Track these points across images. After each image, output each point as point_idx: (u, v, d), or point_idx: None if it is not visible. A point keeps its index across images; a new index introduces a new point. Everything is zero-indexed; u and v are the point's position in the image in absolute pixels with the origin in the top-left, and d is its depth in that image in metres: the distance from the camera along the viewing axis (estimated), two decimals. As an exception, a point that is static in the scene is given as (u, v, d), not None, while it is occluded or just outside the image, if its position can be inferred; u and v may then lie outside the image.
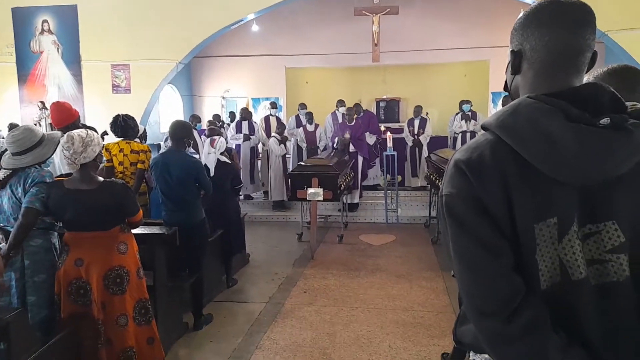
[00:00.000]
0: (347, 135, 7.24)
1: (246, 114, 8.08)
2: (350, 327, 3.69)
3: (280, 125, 7.72)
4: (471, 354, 1.11)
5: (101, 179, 2.61)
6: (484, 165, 0.93)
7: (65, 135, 2.53)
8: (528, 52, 1.00)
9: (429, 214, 6.77)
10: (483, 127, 1.02)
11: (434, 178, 6.03)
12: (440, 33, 9.57)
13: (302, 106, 8.48)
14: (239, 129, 7.92)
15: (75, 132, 2.55)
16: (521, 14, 1.03)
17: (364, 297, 4.28)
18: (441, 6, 9.41)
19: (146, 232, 3.25)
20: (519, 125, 0.92)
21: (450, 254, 0.99)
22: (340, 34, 9.74)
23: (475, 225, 0.92)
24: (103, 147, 4.30)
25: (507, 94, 1.14)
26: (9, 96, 8.60)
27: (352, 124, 7.49)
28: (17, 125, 2.60)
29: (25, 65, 8.60)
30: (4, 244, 2.55)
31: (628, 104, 0.97)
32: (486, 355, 1.05)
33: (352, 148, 7.36)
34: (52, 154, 2.77)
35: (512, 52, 1.04)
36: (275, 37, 10.05)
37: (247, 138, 7.91)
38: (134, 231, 2.80)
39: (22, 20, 8.46)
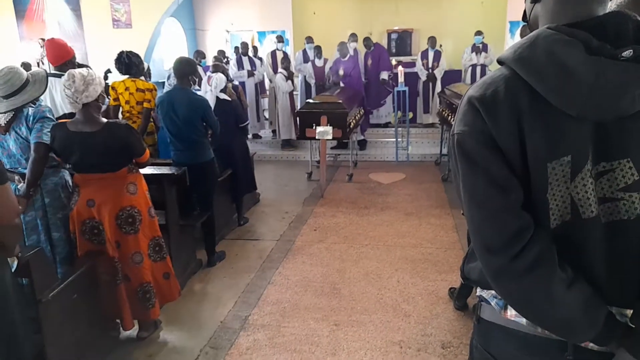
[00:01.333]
0: (341, 72, 7.01)
1: (245, 49, 7.81)
2: (360, 263, 3.77)
3: (286, 60, 7.47)
4: (478, 289, 1.11)
5: (104, 120, 2.54)
6: (498, 102, 0.90)
7: (67, 73, 2.45)
8: None
9: (440, 151, 6.69)
10: (499, 61, 0.96)
11: (446, 114, 5.88)
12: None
13: (309, 40, 8.13)
14: (240, 66, 7.70)
15: (77, 70, 2.46)
16: None
17: (373, 235, 4.33)
18: None
19: (156, 172, 3.25)
20: (536, 59, 0.87)
21: (460, 193, 0.98)
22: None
23: (486, 163, 0.90)
24: (108, 87, 4.21)
25: (525, 23, 1.07)
26: (7, 33, 8.33)
27: (345, 59, 7.20)
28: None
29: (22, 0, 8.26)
30: (22, 183, 2.57)
31: None
32: (493, 292, 1.05)
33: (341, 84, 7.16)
34: (45, 90, 2.71)
35: None
36: (281, -36, 9.47)
37: (250, 74, 7.70)
38: (143, 171, 2.78)
39: (14, -51, 8.00)
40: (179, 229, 3.42)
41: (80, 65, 3.50)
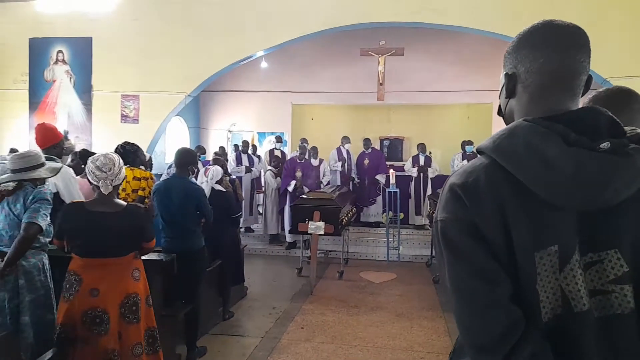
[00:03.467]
0: (292, 182, 7.03)
1: (245, 147, 8.21)
2: (348, 365, 3.58)
3: (276, 159, 7.81)
4: None
5: (124, 202, 2.58)
6: (479, 189, 0.90)
7: (105, 157, 2.51)
8: (522, 75, 0.98)
9: (431, 252, 6.69)
10: (478, 151, 0.98)
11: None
12: (443, 75, 9.79)
13: (303, 140, 8.56)
14: (239, 162, 8.00)
15: (107, 154, 2.55)
16: (515, 37, 1.02)
17: (362, 335, 4.17)
18: (445, 49, 9.66)
19: (143, 258, 3.21)
20: (516, 149, 0.89)
21: (446, 282, 0.95)
22: (346, 72, 9.98)
23: (470, 252, 0.88)
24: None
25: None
26: (19, 122, 8.73)
27: (302, 162, 7.29)
28: (17, 151, 2.68)
29: (38, 93, 8.78)
30: None
31: (627, 129, 0.95)
32: None
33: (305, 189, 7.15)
34: (53, 176, 2.79)
35: (506, 75, 1.02)
36: (283, 73, 10.31)
37: (248, 170, 7.97)
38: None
39: (38, 50, 8.71)
40: (160, 319, 3.29)
41: (88, 153, 3.64)
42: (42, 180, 2.72)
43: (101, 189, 2.48)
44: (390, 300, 5.19)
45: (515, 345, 0.84)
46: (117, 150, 4.20)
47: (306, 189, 6.80)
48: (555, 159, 0.86)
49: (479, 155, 0.98)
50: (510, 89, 1.02)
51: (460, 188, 0.91)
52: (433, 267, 6.48)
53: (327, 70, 10.18)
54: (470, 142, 8.26)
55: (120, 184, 2.59)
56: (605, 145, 0.86)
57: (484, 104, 9.75)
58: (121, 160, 2.56)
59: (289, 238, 7.27)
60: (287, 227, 7.02)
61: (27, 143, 8.45)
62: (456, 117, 10.75)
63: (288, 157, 8.59)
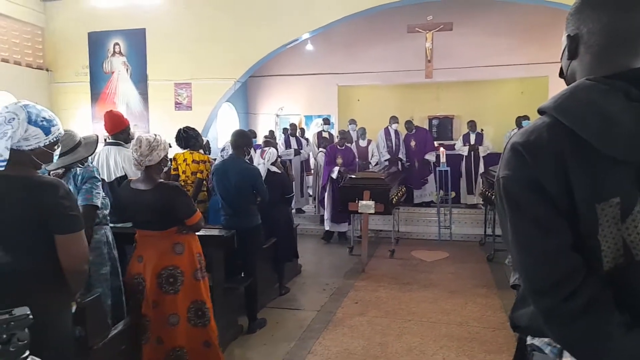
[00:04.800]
0: (336, 169, 6.74)
1: (293, 130, 8.33)
2: (403, 338, 3.64)
3: (324, 140, 7.85)
4: (528, 338, 1.08)
5: (159, 180, 2.70)
6: (541, 146, 0.92)
7: (135, 138, 2.70)
8: (585, 36, 0.99)
9: (484, 231, 6.57)
10: (540, 111, 1.00)
11: (489, 194, 5.87)
12: (494, 49, 9.44)
13: (352, 122, 8.62)
14: (287, 145, 8.14)
15: (144, 135, 2.69)
16: None
17: (416, 310, 4.21)
18: (495, 22, 9.30)
19: (205, 234, 3.39)
20: (578, 106, 0.91)
21: (506, 237, 0.99)
22: (392, 51, 9.84)
23: (532, 205, 0.91)
24: (171, 156, 4.56)
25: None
26: (83, 113, 9.30)
27: (343, 148, 6.99)
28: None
29: (98, 84, 9.30)
30: None
31: None
32: (545, 339, 1.02)
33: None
34: (94, 152, 2.86)
35: (569, 36, 1.03)
36: (328, 56, 10.31)
37: (297, 153, 8.11)
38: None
39: (96, 43, 9.19)
40: (223, 291, 3.49)
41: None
42: (86, 159, 2.79)
43: (134, 168, 2.66)
44: (443, 278, 5.18)
45: (575, 289, 0.87)
46: (179, 135, 4.42)
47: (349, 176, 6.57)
48: (616, 114, 0.87)
49: (540, 116, 1.00)
50: (572, 50, 1.02)
51: (522, 146, 0.94)
52: (487, 246, 6.37)
53: (372, 50, 10.08)
54: (526, 117, 7.95)
55: (159, 163, 2.67)
56: None
57: (539, 78, 9.32)
58: (155, 142, 2.62)
59: (327, 226, 7.02)
60: (326, 215, 6.96)
61: (92, 132, 9.00)
62: (509, 93, 10.35)
63: (336, 139, 8.65)
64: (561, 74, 1.11)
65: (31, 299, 1.26)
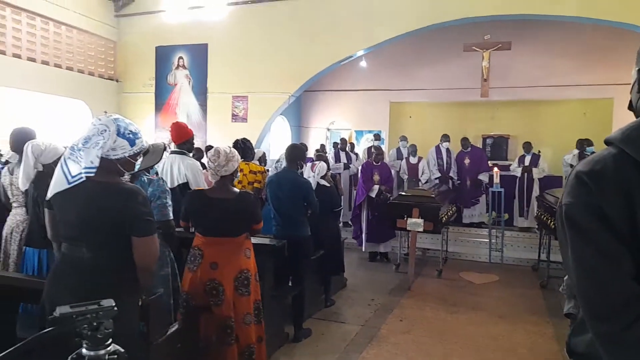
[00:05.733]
0: (376, 187, 6.41)
1: (344, 144, 8.43)
2: (448, 360, 3.59)
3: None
4: None
5: (237, 189, 2.91)
6: (606, 175, 0.95)
7: (214, 149, 2.88)
8: None
9: (539, 256, 6.33)
10: (606, 142, 1.03)
11: (544, 218, 5.67)
12: (554, 69, 9.17)
13: (403, 138, 8.63)
14: (337, 159, 8.25)
15: (222, 147, 2.88)
16: None
17: (462, 333, 4.13)
18: (555, 41, 9.03)
19: (258, 242, 3.53)
20: None
21: (567, 264, 1.01)
22: (446, 69, 9.78)
23: (594, 232, 0.94)
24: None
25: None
26: (147, 122, 9.88)
27: (379, 164, 6.62)
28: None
29: (162, 95, 9.86)
30: None
31: None
32: None
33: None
34: (159, 160, 3.03)
35: (639, 71, 1.06)
36: (381, 72, 10.38)
37: (346, 167, 8.19)
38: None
39: (163, 56, 9.77)
40: (271, 299, 3.60)
41: (198, 149, 4.00)
42: (151, 167, 2.96)
43: (209, 177, 2.83)
44: (491, 302, 5.05)
45: (636, 318, 0.88)
46: (236, 145, 4.62)
47: (390, 195, 6.34)
48: None
49: (606, 146, 1.03)
50: None
51: (587, 175, 0.97)
52: (540, 272, 6.14)
53: (425, 67, 10.07)
54: (589, 142, 7.59)
55: (232, 174, 2.86)
56: None
57: (603, 99, 8.93)
58: (230, 153, 2.82)
59: (366, 248, 6.67)
60: (364, 236, 6.60)
61: (154, 140, 9.53)
62: (570, 114, 9.94)
63: (387, 155, 8.67)
64: (630, 107, 1.13)
65: (108, 292, 1.40)
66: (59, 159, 3.13)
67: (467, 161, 8.03)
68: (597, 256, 0.93)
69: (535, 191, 7.62)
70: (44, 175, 3.04)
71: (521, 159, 8.03)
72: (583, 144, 7.66)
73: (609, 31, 7.42)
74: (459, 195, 7.69)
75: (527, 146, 7.99)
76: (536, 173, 7.76)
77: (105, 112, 9.30)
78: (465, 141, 8.14)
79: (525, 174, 7.84)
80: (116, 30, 9.82)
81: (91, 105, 9.16)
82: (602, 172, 0.96)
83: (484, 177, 7.86)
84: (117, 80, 9.96)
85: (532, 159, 7.89)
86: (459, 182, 8.06)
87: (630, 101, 1.12)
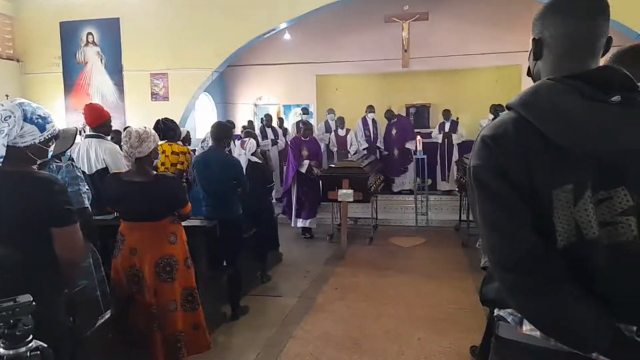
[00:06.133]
0: (306, 163, 6.33)
1: (269, 120, 8.39)
2: (380, 320, 3.80)
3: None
4: (495, 310, 1.21)
5: (154, 172, 2.79)
6: (507, 138, 1.05)
7: (125, 130, 2.74)
8: (548, 39, 1.12)
9: (459, 217, 6.79)
10: (507, 107, 1.13)
11: (464, 181, 6.07)
12: (470, 38, 9.63)
13: (330, 111, 8.75)
14: (264, 135, 8.20)
15: (133, 128, 2.73)
16: (541, 6, 1.15)
17: (393, 294, 4.38)
18: (471, 12, 9.47)
19: (188, 224, 3.46)
20: (539, 103, 1.04)
21: (476, 219, 1.11)
22: (370, 41, 9.93)
23: (498, 190, 1.04)
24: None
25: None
26: (56, 104, 9.12)
27: (307, 139, 6.59)
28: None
29: (71, 75, 9.12)
30: None
31: None
32: (509, 310, 1.16)
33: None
34: (71, 146, 2.82)
35: (534, 39, 1.16)
36: (306, 45, 10.33)
37: (274, 143, 8.17)
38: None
39: (69, 33, 8.99)
40: (206, 281, 3.57)
41: (117, 132, 3.78)
42: (63, 153, 2.76)
43: (124, 160, 2.71)
44: (420, 263, 5.37)
45: (535, 264, 1.00)
46: (157, 126, 4.42)
47: (316, 170, 6.34)
48: (571, 111, 1.01)
49: (507, 111, 1.13)
50: (537, 52, 1.16)
51: (490, 138, 1.07)
52: (461, 231, 6.60)
53: (350, 39, 10.15)
54: (501, 106, 8.15)
55: (149, 155, 2.72)
56: (616, 98, 1.01)
57: (513, 66, 9.56)
58: (144, 134, 2.67)
59: (298, 223, 6.57)
60: (294, 211, 6.50)
61: (65, 124, 8.84)
62: (484, 81, 10.56)
63: (316, 128, 8.74)
64: (528, 73, 1.24)
65: (28, 289, 1.33)
66: None
67: (394, 131, 8.32)
68: (502, 211, 1.04)
69: (455, 156, 8.10)
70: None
71: (441, 126, 8.47)
72: (497, 109, 8.19)
73: (517, 0, 7.91)
74: (388, 165, 7.99)
75: (446, 113, 8.43)
76: (455, 138, 8.23)
77: (7, 96, 8.50)
78: (389, 113, 8.41)
79: (446, 140, 8.28)
80: (11, 5, 8.87)
81: (-12, 89, 8.29)
82: (503, 135, 1.06)
83: (411, 146, 8.19)
84: (17, 60, 9.06)
85: (451, 126, 8.35)
86: (386, 152, 8.35)
87: (529, 68, 1.24)
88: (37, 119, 1.74)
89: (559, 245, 1.03)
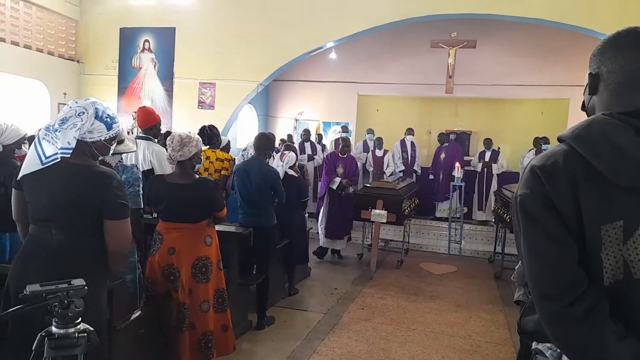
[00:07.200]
0: (337, 180, 6.15)
1: (307, 135, 8.50)
2: (406, 346, 3.74)
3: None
4: (533, 343, 1.19)
5: (197, 175, 2.90)
6: (556, 170, 1.05)
7: (170, 136, 2.87)
8: (605, 75, 1.12)
9: (494, 248, 6.62)
10: (559, 139, 1.13)
11: (501, 212, 5.93)
12: (517, 68, 9.50)
13: (369, 131, 8.78)
14: (302, 150, 8.31)
15: (177, 132, 2.87)
16: (600, 42, 1.15)
17: (421, 320, 4.30)
18: (519, 42, 9.36)
19: (223, 230, 3.55)
20: (592, 137, 1.03)
21: (520, 249, 1.10)
22: (414, 64, 9.95)
23: (544, 221, 1.04)
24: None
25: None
26: (109, 105, 9.52)
27: (344, 156, 6.38)
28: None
29: (126, 79, 9.57)
30: None
31: None
32: (548, 344, 1.14)
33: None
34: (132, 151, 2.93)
35: (590, 74, 1.16)
36: (351, 64, 10.46)
37: (310, 158, 8.26)
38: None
39: (127, 38, 9.47)
40: (236, 287, 3.63)
41: (166, 134, 3.97)
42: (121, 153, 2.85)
43: (167, 162, 2.83)
44: (449, 291, 5.26)
45: (578, 297, 0.99)
46: (203, 131, 4.58)
47: (351, 188, 6.21)
48: (625, 147, 0.99)
49: (559, 143, 1.13)
50: (593, 87, 1.16)
51: (539, 169, 1.07)
52: (496, 263, 6.42)
53: (394, 61, 10.21)
54: (546, 140, 7.96)
55: (191, 159, 2.82)
56: None
57: (560, 100, 9.35)
58: (187, 138, 2.78)
59: (323, 242, 6.34)
60: (321, 230, 6.31)
61: (116, 124, 9.24)
62: (529, 113, 10.37)
63: (353, 147, 8.79)
64: (583, 107, 1.24)
65: (77, 274, 1.41)
66: (20, 140, 3.08)
67: (442, 155, 8.26)
68: (547, 241, 1.03)
69: (494, 186, 7.94)
70: (3, 156, 2.95)
71: (481, 155, 8.33)
72: (539, 142, 8.03)
73: (568, 34, 7.76)
74: (433, 189, 7.91)
75: (488, 142, 8.30)
76: (495, 169, 8.07)
77: (65, 94, 9.01)
78: (442, 136, 8.39)
79: (485, 169, 8.14)
80: (78, 9, 9.44)
81: (49, 86, 8.80)
82: (554, 166, 1.05)
83: (456, 173, 8.07)
84: (77, 61, 9.60)
85: (492, 155, 8.20)
86: (432, 176, 8.25)
87: (583, 102, 1.23)
88: (106, 117, 1.88)
89: (606, 282, 1.01)
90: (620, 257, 1.00)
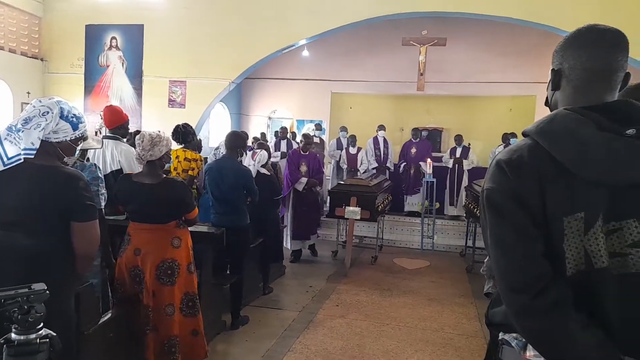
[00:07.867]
0: (304, 180, 5.94)
1: (284, 133, 8.48)
2: (380, 340, 3.78)
3: (317, 145, 7.99)
4: (500, 334, 1.22)
5: (164, 175, 2.85)
6: (521, 164, 1.07)
7: (140, 133, 2.81)
8: (567, 71, 1.15)
9: (465, 243, 6.76)
10: (524, 134, 1.16)
11: (472, 207, 6.06)
12: (486, 66, 9.72)
13: (343, 129, 8.82)
14: (277, 147, 8.28)
15: (147, 131, 2.81)
16: (562, 39, 1.18)
17: (394, 315, 4.35)
18: (488, 40, 9.56)
19: (196, 230, 3.50)
20: (555, 132, 1.07)
21: (487, 242, 1.13)
22: (386, 62, 10.05)
23: (511, 214, 1.06)
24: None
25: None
26: (75, 105, 9.20)
27: (307, 154, 6.15)
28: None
29: (92, 77, 9.32)
30: None
31: None
32: (514, 334, 1.17)
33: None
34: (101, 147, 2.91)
35: (553, 70, 1.20)
36: (324, 62, 10.48)
37: (284, 155, 8.25)
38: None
39: (93, 36, 9.22)
40: (209, 287, 3.59)
41: (135, 133, 3.90)
42: (85, 152, 2.82)
43: (135, 162, 2.78)
44: (422, 286, 5.34)
45: (543, 289, 1.02)
46: (177, 130, 4.50)
47: (319, 188, 6.09)
48: (587, 141, 1.03)
49: (523, 138, 1.16)
50: (555, 82, 1.19)
51: (505, 163, 1.09)
52: (467, 257, 6.56)
53: (367, 59, 10.28)
54: (513, 134, 8.18)
55: (160, 159, 2.78)
56: (631, 131, 1.03)
57: (528, 96, 9.61)
58: (157, 138, 2.74)
59: (291, 245, 6.08)
60: (289, 233, 6.03)
61: (83, 124, 8.99)
62: (498, 109, 10.63)
63: (327, 145, 8.81)
64: (546, 103, 1.27)
65: (42, 278, 1.37)
66: None
67: (413, 150, 8.38)
68: (514, 234, 1.06)
69: (465, 181, 8.10)
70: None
71: (453, 151, 8.48)
72: (508, 138, 8.24)
73: (536, 32, 7.97)
74: (404, 182, 8.02)
75: (459, 139, 8.46)
76: (466, 164, 8.23)
77: (28, 93, 8.70)
78: (415, 131, 8.57)
79: (456, 165, 8.29)
80: (41, 5, 9.14)
81: (12, 85, 8.50)
82: (519, 161, 1.08)
83: (424, 167, 8.20)
84: (41, 59, 9.29)
85: (463, 151, 8.36)
86: (405, 166, 8.36)
87: (547, 97, 1.26)
88: (72, 117, 1.83)
89: (568, 272, 1.04)
90: (581, 248, 1.03)
